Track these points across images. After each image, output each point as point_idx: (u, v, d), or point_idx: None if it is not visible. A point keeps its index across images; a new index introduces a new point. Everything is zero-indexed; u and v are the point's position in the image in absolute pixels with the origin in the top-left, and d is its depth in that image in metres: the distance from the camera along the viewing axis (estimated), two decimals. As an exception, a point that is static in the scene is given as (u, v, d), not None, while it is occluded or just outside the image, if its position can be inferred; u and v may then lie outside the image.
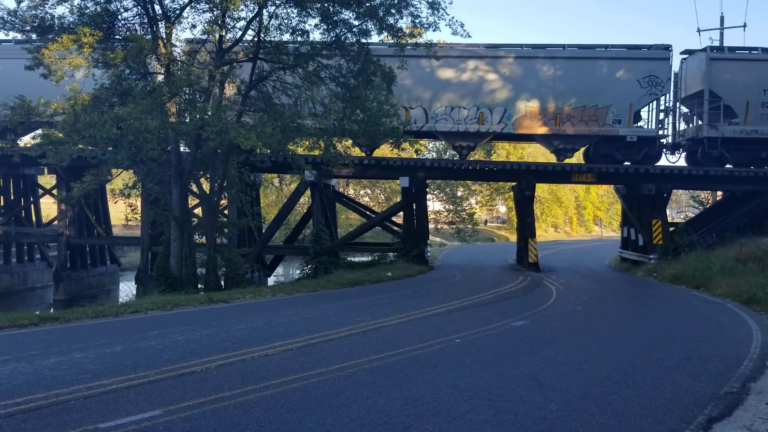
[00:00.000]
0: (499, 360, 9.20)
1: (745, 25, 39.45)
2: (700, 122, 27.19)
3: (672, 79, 27.08)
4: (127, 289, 30.04)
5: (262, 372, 8.15)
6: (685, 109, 28.95)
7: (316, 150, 20.98)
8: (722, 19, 37.68)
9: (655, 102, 26.98)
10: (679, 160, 28.90)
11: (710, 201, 37.37)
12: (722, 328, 12.89)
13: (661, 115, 27.35)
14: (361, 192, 60.68)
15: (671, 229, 28.67)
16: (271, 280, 30.82)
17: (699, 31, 65.33)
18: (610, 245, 41.93)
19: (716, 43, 36.32)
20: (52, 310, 18.89)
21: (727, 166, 27.34)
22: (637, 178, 27.33)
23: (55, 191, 30.58)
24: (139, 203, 24.39)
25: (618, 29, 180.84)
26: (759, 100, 26.36)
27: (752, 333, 12.19)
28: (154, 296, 17.45)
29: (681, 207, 66.44)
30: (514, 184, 31.65)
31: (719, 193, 34.19)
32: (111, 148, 19.51)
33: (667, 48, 26.68)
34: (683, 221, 34.38)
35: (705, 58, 26.60)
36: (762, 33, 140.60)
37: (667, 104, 27.43)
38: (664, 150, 28.27)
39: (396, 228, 31.05)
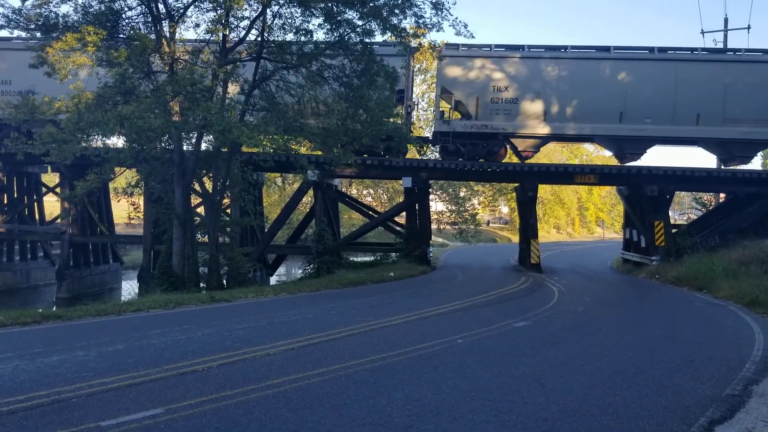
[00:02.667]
0: (501, 361, 9.20)
1: (749, 27, 39.37)
2: None
3: None
4: (129, 288, 30.08)
5: (263, 371, 8.15)
6: None
7: (319, 150, 20.96)
8: (726, 20, 37.45)
9: None
10: None
11: (713, 203, 37.29)
12: (724, 331, 12.86)
13: None
14: (364, 192, 60.61)
15: (673, 230, 28.64)
16: (273, 280, 30.87)
17: (702, 32, 65.35)
18: (613, 247, 41.90)
19: (720, 45, 36.34)
20: (54, 308, 18.93)
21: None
22: (639, 179, 27.31)
23: (58, 189, 30.63)
24: (141, 202, 24.42)
25: (622, 28, 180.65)
26: None
27: (755, 335, 12.17)
28: (156, 295, 17.48)
29: (683, 209, 66.24)
30: (516, 185, 31.65)
31: (722, 195, 34.13)
32: (114, 146, 19.51)
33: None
34: (686, 223, 34.34)
35: None
36: (766, 35, 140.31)
37: None
38: None
39: (398, 228, 31.06)
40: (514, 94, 26.63)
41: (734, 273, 20.00)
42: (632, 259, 29.88)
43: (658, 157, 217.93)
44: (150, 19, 19.76)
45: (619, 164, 29.11)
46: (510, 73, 26.70)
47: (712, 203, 37.03)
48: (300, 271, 30.71)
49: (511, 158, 29.45)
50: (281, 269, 35.97)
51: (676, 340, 11.55)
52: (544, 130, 26.84)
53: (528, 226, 28.92)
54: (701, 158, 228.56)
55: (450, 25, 19.78)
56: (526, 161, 28.07)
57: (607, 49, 27.07)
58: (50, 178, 36.03)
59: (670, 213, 32.49)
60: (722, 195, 34.12)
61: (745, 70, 26.36)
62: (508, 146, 27.64)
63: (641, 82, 26.31)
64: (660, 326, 13.22)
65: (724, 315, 15.20)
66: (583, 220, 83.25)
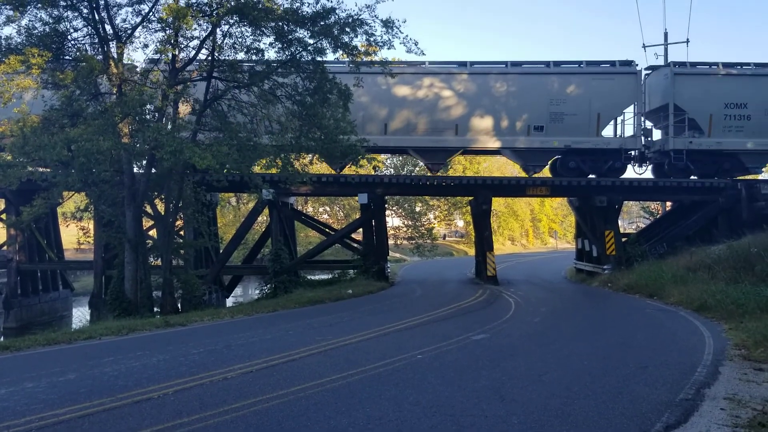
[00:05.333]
0: (461, 375, 9.24)
1: (688, 41, 40.86)
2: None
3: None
4: (80, 315, 29.24)
5: (221, 396, 8.01)
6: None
7: (273, 168, 20.85)
8: (666, 35, 39.02)
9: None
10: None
11: (660, 211, 38.39)
12: (676, 336, 13.20)
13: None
14: (320, 209, 60.51)
15: (624, 239, 29.35)
16: (229, 302, 30.41)
17: (644, 46, 67.51)
18: (566, 257, 42.67)
19: (660, 59, 37.68)
20: (2, 339, 18.26)
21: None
22: (589, 191, 27.97)
23: (3, 216, 29.66)
24: (91, 226, 23.85)
25: (567, 46, 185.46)
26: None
27: (705, 340, 12.53)
28: (108, 321, 17.03)
29: (632, 218, 68.12)
30: (471, 198, 32.02)
31: (668, 203, 35.17)
32: (61, 171, 19.06)
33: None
34: (635, 232, 35.23)
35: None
36: (704, 48, 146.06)
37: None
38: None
39: (356, 245, 31.03)
40: None
41: (683, 279, 20.58)
42: (585, 269, 30.47)
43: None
44: (97, 41, 19.42)
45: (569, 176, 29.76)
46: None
47: (659, 212, 38.17)
48: (257, 291, 30.33)
49: (464, 172, 29.88)
50: (238, 290, 35.49)
51: (629, 346, 11.80)
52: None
53: (483, 239, 29.23)
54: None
55: (401, 43, 20.01)
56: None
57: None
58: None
59: (620, 222, 33.34)
60: (668, 203, 35.17)
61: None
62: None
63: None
64: (614, 334, 13.50)
65: (675, 320, 15.60)
66: (537, 232, 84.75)
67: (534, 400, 7.77)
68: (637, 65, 27.73)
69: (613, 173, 27.99)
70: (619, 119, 28.46)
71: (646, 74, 29.03)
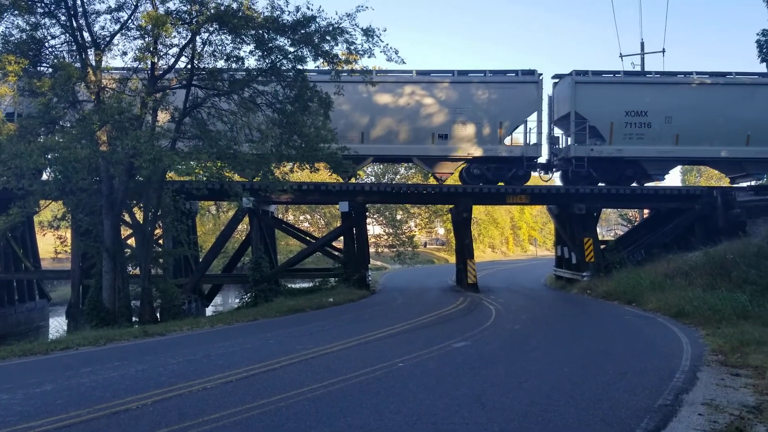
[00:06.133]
0: (442, 382, 9.24)
1: (664, 51, 41.52)
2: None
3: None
4: (57, 325, 28.83)
5: (200, 406, 7.93)
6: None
7: (257, 177, 20.76)
8: (642, 44, 39.53)
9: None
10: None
11: (637, 219, 38.81)
12: (654, 342, 13.33)
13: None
14: (301, 217, 60.30)
15: (602, 246, 29.66)
16: (209, 311, 30.17)
17: (621, 56, 68.43)
18: (546, 264, 42.93)
19: (638, 67, 38.24)
20: (-26, 350, 17.90)
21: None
22: (567, 198, 28.23)
23: (-23, 225, 29.17)
24: (68, 235, 23.53)
25: (549, 55, 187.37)
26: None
27: (683, 346, 12.67)
28: (86, 331, 16.80)
29: (611, 225, 68.81)
30: (451, 206, 32.14)
31: (646, 211, 35.58)
32: (39, 179, 18.84)
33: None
34: (613, 239, 35.58)
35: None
36: (679, 57, 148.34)
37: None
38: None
39: (336, 253, 30.96)
40: None
41: (661, 286, 20.80)
42: (564, 276, 30.69)
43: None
44: (75, 48, 19.25)
45: (545, 184, 30.08)
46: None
47: (637, 219, 38.59)
48: (237, 300, 30.12)
49: (448, 180, 30.05)
50: (218, 299, 35.22)
51: (609, 353, 11.89)
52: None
53: (464, 247, 29.34)
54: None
55: (381, 51, 20.10)
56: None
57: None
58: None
59: (598, 230, 33.66)
60: (646, 211, 35.58)
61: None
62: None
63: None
64: (593, 341, 13.60)
65: (653, 327, 15.76)
66: (517, 239, 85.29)
67: (515, 408, 7.79)
68: (541, 75, 28.02)
69: (516, 181, 28.32)
70: (522, 128, 28.49)
71: (555, 83, 29.47)
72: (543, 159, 29.56)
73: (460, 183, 30.37)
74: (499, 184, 28.46)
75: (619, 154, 27.89)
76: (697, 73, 28.44)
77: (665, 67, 65.01)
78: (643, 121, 27.73)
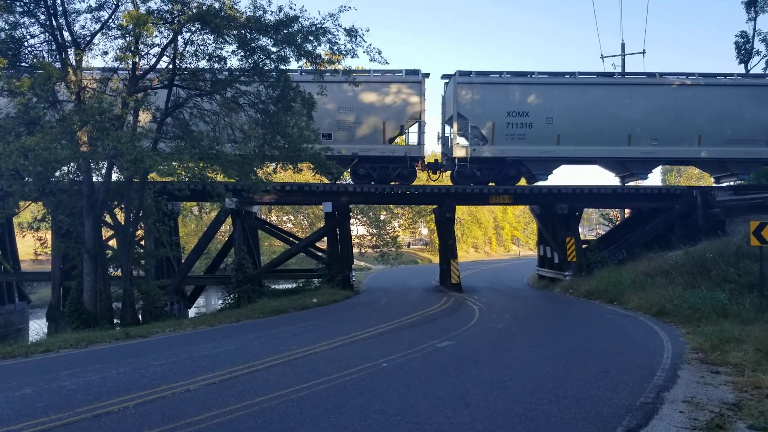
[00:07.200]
0: (426, 382, 9.27)
1: (644, 52, 41.98)
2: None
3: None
4: (38, 328, 28.43)
5: (183, 408, 7.88)
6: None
7: (235, 180, 20.66)
8: (623, 46, 40.12)
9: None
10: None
11: (619, 218, 39.14)
12: (636, 341, 13.46)
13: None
14: (284, 218, 60.14)
15: (584, 246, 29.87)
16: (191, 312, 29.97)
17: (602, 57, 69.03)
18: (528, 263, 43.19)
19: (618, 68, 38.56)
20: (-48, 354, 17.64)
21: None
22: (550, 198, 28.43)
23: (-45, 226, 28.77)
24: (49, 236, 23.26)
25: (530, 55, 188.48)
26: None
27: (663, 344, 12.81)
28: (66, 334, 16.61)
29: (592, 225, 69.38)
30: (435, 207, 32.21)
31: (627, 210, 35.91)
32: (18, 180, 18.60)
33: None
34: (595, 238, 35.86)
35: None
36: (661, 58, 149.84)
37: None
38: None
39: (320, 254, 30.91)
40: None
41: (642, 285, 21.00)
42: (547, 275, 30.89)
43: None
44: (55, 47, 19.04)
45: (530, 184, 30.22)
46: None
47: (618, 218, 38.92)
48: (220, 301, 29.98)
49: (427, 181, 30.06)
50: (200, 301, 35.01)
51: (591, 351, 11.99)
52: None
53: (447, 247, 29.43)
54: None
55: (364, 52, 20.13)
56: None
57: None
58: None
59: (580, 229, 33.91)
60: (627, 210, 35.91)
61: None
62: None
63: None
64: (576, 339, 13.70)
65: (634, 325, 15.91)
66: (500, 239, 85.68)
67: (498, 406, 7.83)
68: (427, 75, 28.13)
69: (402, 180, 28.38)
70: (416, 127, 28.48)
71: (445, 83, 29.57)
72: (437, 158, 29.62)
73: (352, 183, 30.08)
74: (392, 183, 28.33)
75: (501, 154, 27.93)
76: (580, 73, 28.61)
77: (645, 68, 65.51)
78: (525, 122, 27.76)
